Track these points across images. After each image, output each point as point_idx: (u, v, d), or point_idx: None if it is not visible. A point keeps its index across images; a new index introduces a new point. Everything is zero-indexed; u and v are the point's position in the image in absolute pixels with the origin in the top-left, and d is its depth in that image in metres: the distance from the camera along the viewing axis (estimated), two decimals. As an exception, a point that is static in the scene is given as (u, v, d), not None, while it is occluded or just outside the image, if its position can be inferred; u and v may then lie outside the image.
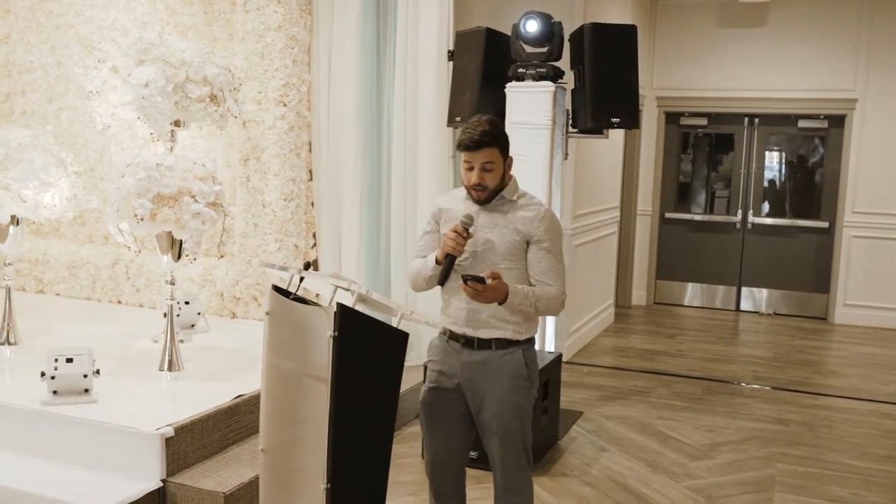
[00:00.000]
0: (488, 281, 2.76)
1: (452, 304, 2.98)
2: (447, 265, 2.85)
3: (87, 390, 3.96)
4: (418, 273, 3.03)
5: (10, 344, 4.93)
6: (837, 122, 8.50)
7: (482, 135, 2.85)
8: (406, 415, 5.05)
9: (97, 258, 6.28)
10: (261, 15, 5.50)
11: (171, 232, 4.24)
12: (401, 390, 2.76)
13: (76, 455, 3.78)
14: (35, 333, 5.13)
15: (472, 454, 3.73)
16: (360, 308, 2.66)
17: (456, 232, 2.82)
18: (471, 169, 2.90)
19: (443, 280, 2.88)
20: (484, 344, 2.95)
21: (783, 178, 9.08)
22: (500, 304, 2.84)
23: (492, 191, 2.93)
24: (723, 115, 9.02)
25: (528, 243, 2.94)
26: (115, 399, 4.02)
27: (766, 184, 9.04)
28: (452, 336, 3.01)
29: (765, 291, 9.05)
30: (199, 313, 5.34)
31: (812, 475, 4.59)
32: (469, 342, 2.96)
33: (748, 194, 9.02)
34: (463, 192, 3.03)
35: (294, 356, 2.70)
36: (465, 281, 2.75)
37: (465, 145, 2.88)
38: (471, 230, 2.85)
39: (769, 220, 8.99)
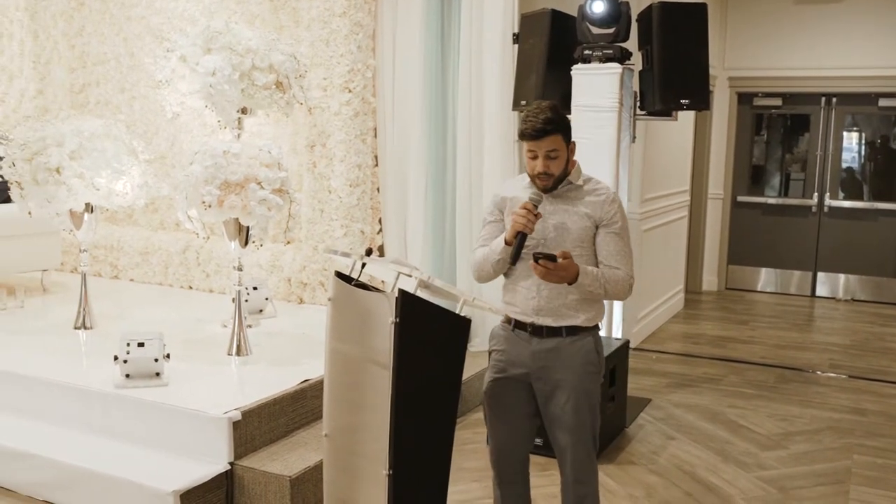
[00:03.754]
0: (559, 260, 2.72)
1: (520, 293, 2.94)
2: (518, 243, 2.80)
3: (157, 374, 4.05)
4: (485, 260, 2.97)
5: (86, 328, 5.08)
6: (921, 100, 8.17)
7: (545, 122, 2.77)
8: (471, 400, 5.03)
9: (169, 244, 6.43)
10: (325, 2, 5.52)
11: (237, 218, 4.30)
12: (464, 376, 2.74)
13: (147, 437, 3.88)
14: (110, 318, 5.28)
15: (538, 441, 3.71)
16: (422, 294, 2.64)
17: (526, 209, 2.77)
18: (535, 158, 2.84)
19: (514, 259, 2.82)
20: (554, 331, 2.91)
21: (862, 160, 8.76)
22: (569, 283, 2.80)
23: (557, 178, 2.87)
24: (798, 95, 8.74)
25: (597, 227, 2.89)
26: (184, 383, 4.10)
27: (843, 166, 8.74)
28: (518, 325, 2.96)
29: (842, 277, 8.76)
30: (266, 298, 5.41)
31: (891, 467, 4.43)
32: (538, 330, 2.92)
33: (825, 176, 8.73)
34: (525, 179, 2.96)
35: (357, 342, 2.70)
36: (536, 259, 2.72)
37: (528, 134, 2.81)
38: (538, 211, 2.80)
39: (847, 203, 8.69)
